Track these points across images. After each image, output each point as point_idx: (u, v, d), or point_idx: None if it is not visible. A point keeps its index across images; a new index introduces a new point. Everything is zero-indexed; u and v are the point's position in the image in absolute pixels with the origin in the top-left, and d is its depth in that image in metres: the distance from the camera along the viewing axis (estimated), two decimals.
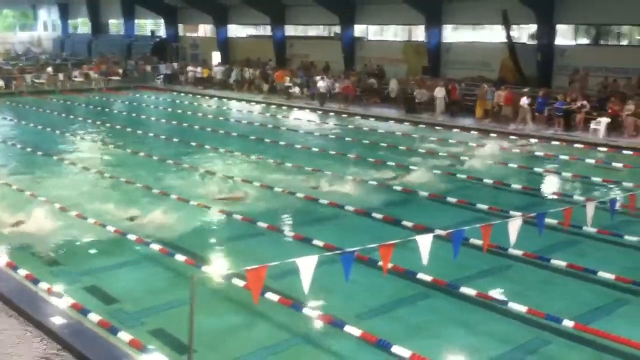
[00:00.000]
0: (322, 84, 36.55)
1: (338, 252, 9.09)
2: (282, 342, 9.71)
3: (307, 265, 7.98)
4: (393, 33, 43.02)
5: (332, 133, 28.82)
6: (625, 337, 9.46)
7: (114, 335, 9.37)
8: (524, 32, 36.33)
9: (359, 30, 43.69)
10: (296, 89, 39.09)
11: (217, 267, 12.90)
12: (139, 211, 15.47)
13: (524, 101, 29.02)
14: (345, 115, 33.69)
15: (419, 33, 40.24)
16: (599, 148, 24.51)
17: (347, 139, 27.10)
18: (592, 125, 26.69)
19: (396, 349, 9.07)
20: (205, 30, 55.50)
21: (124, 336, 9.35)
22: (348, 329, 9.68)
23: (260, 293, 7.89)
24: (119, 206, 15.98)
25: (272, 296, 10.49)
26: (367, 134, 28.24)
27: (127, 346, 9.09)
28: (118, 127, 30.01)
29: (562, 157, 23.25)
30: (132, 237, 13.82)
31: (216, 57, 51.25)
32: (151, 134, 28.07)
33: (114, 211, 15.64)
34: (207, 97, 41.76)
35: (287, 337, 9.91)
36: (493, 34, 37.20)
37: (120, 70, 47.53)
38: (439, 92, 32.11)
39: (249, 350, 9.42)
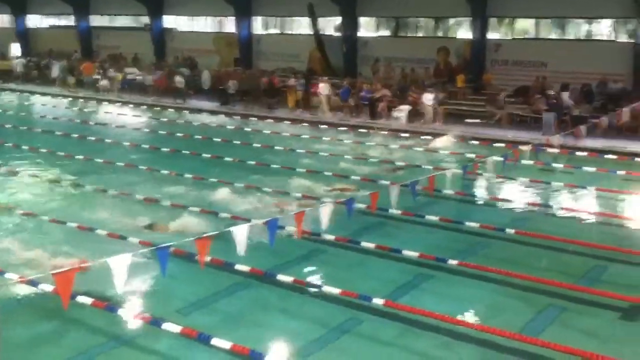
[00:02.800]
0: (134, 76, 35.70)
1: (153, 247, 8.93)
2: (97, 346, 9.36)
3: (119, 264, 7.78)
4: (204, 24, 42.69)
5: (146, 126, 28.14)
6: (430, 310, 10.18)
7: None
8: (330, 25, 37.61)
9: (169, 21, 42.90)
10: (105, 82, 37.61)
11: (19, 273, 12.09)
12: None
13: (323, 89, 30.12)
14: (158, 108, 33.01)
15: (230, 24, 40.31)
16: (401, 134, 26.00)
17: (160, 132, 26.61)
18: (395, 113, 28.25)
19: (216, 341, 9.10)
20: (2, 20, 51.80)
21: None
22: (167, 325, 9.55)
23: (70, 297, 7.57)
24: None
25: (84, 299, 10.06)
26: (181, 127, 27.90)
27: None
28: None
29: (368, 143, 24.41)
30: None
31: (15, 48, 48.03)
32: None
33: None
34: (8, 92, 39.05)
35: (103, 341, 9.57)
36: (301, 26, 38.14)
37: None
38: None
39: (62, 359, 9.01)
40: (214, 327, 9.78)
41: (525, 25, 32.52)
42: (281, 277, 11.42)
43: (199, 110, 32.12)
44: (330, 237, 13.10)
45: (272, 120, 29.60)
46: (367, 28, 36.74)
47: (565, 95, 26.32)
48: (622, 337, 9.81)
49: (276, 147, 23.31)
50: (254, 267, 11.62)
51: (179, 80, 34.16)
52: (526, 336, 9.54)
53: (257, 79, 33.65)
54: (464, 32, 33.68)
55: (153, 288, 10.99)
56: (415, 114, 28.31)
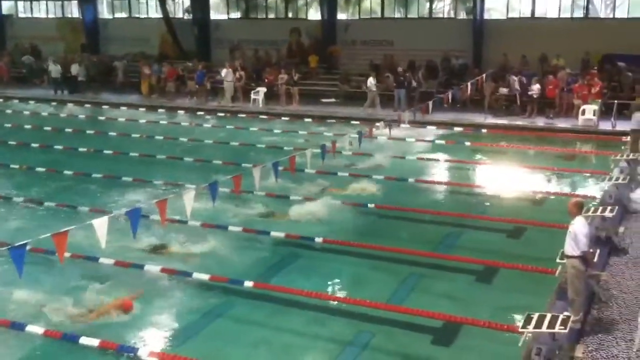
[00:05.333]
0: None
1: (7, 247, 8.47)
2: None
3: None
4: (45, 9, 40.51)
5: None
6: (299, 288, 10.43)
7: None
8: (180, 7, 36.92)
9: (7, 6, 40.33)
10: None
11: None
12: None
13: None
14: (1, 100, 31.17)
15: (74, 9, 38.55)
16: (260, 116, 26.13)
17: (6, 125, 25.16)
18: (252, 96, 28.32)
19: (84, 340, 8.86)
20: None
21: None
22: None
23: None
24: None
25: None
26: (25, 119, 26.51)
27: None
28: None
29: (229, 126, 24.35)
30: None
31: None
32: None
33: None
34: None
35: None
36: (151, 9, 37.18)
37: None
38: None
39: None
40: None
41: (371, 5, 33.50)
42: (149, 267, 11.24)
43: (48, 101, 30.55)
44: (196, 223, 13.02)
45: (125, 108, 28.73)
46: (218, 10, 36.40)
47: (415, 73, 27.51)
48: (478, 299, 10.51)
49: (133, 135, 22.70)
50: (118, 260, 11.36)
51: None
52: (391, 305, 10.03)
53: (107, 65, 32.55)
54: (314, 13, 34.20)
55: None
56: (271, 95, 28.51)
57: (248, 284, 10.60)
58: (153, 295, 10.48)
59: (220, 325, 9.77)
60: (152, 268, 11.21)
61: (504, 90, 25.32)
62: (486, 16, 30.31)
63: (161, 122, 25.63)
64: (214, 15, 36.01)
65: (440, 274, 11.47)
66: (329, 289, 10.78)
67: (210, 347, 9.15)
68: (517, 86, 25.09)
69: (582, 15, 29.09)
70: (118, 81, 32.87)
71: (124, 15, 38.48)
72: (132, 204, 12.20)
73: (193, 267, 11.39)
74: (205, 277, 10.87)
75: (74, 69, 31.79)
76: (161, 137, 22.34)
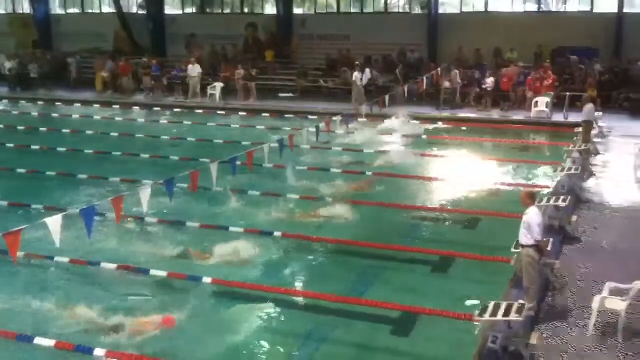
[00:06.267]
0: None
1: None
2: None
3: None
4: None
5: None
6: (259, 284, 10.42)
7: None
8: (134, 2, 36.43)
9: None
10: None
11: None
12: None
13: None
14: None
15: (25, 4, 37.76)
16: (217, 112, 25.98)
17: None
18: (209, 91, 28.13)
19: None
20: None
21: None
22: None
23: None
24: None
25: None
26: None
27: None
28: None
29: (186, 122, 24.17)
30: None
31: None
32: None
33: None
34: None
35: None
36: (104, 4, 36.65)
37: None
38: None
39: None
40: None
41: (328, 0, 33.53)
42: (105, 265, 11.10)
43: (0, 98, 29.92)
44: (152, 219, 12.92)
45: (80, 105, 28.27)
46: (173, 5, 36.05)
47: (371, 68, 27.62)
48: (436, 289, 10.64)
49: (87, 132, 22.36)
50: (73, 258, 11.21)
51: None
52: (350, 297, 10.11)
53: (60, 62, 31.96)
54: (271, 7, 34.10)
55: None
56: (228, 90, 28.37)
57: (206, 279, 10.56)
58: None
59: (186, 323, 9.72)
60: (108, 265, 11.09)
61: (446, 84, 25.51)
62: (441, 10, 30.61)
63: (116, 118, 25.32)
64: (168, 10, 35.63)
65: (397, 266, 11.59)
66: (289, 283, 10.79)
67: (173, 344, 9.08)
68: (458, 79, 25.37)
69: (534, 9, 29.59)
70: (72, 78, 32.29)
71: (76, 10, 37.82)
72: (88, 202, 12.01)
73: (149, 263, 11.31)
74: (163, 273, 10.80)
75: (29, 66, 31.15)
76: (116, 134, 22.05)
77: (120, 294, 10.41)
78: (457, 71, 25.62)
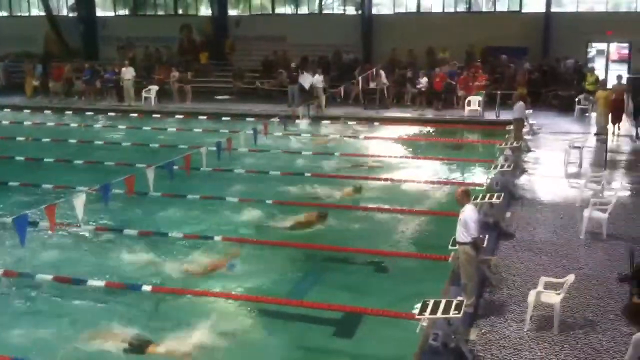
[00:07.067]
0: None
1: None
2: None
3: None
4: None
5: None
6: (201, 289, 10.32)
7: None
8: (64, 4, 35.60)
9: None
10: None
11: None
12: None
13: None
14: None
15: None
16: (153, 115, 25.61)
17: None
18: (144, 94, 27.69)
19: None
20: None
21: None
22: None
23: None
24: None
25: None
26: None
27: None
28: None
29: (121, 126, 23.75)
30: None
31: None
32: None
33: None
34: None
35: None
36: (33, 6, 35.69)
37: None
38: None
39: None
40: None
41: (262, 1, 33.46)
42: (41, 276, 10.82)
43: None
44: (89, 227, 12.66)
45: (9, 110, 27.43)
46: (105, 7, 35.36)
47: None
48: (376, 289, 10.71)
49: (18, 138, 21.70)
50: (7, 269, 10.90)
51: None
52: (291, 299, 10.12)
53: None
54: (205, 9, 33.82)
55: None
56: (164, 94, 28.00)
57: (146, 288, 10.40)
58: None
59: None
60: (45, 277, 10.81)
61: (372, 85, 25.75)
62: (374, 11, 30.96)
63: (48, 123, 24.69)
64: (100, 12, 34.94)
65: (337, 267, 11.64)
66: (230, 288, 10.72)
67: None
68: (384, 80, 25.66)
69: (465, 10, 30.22)
70: (0, 83, 31.32)
71: (4, 13, 36.72)
72: (20, 211, 11.66)
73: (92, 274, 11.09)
74: (101, 283, 10.60)
75: None
76: (48, 140, 21.48)
77: (56, 305, 10.16)
78: (382, 72, 25.81)
